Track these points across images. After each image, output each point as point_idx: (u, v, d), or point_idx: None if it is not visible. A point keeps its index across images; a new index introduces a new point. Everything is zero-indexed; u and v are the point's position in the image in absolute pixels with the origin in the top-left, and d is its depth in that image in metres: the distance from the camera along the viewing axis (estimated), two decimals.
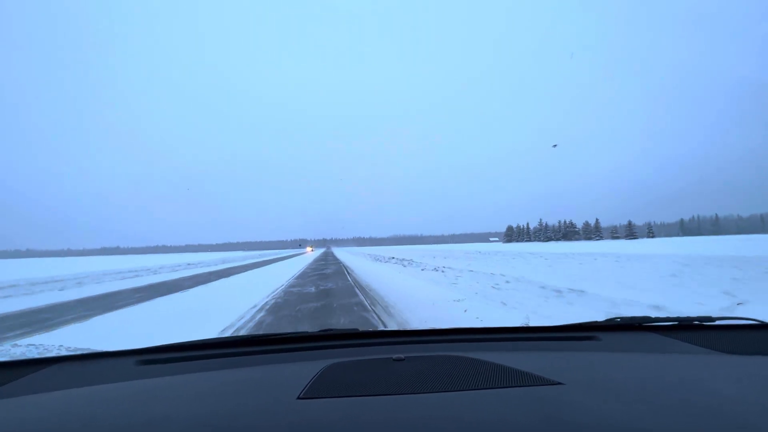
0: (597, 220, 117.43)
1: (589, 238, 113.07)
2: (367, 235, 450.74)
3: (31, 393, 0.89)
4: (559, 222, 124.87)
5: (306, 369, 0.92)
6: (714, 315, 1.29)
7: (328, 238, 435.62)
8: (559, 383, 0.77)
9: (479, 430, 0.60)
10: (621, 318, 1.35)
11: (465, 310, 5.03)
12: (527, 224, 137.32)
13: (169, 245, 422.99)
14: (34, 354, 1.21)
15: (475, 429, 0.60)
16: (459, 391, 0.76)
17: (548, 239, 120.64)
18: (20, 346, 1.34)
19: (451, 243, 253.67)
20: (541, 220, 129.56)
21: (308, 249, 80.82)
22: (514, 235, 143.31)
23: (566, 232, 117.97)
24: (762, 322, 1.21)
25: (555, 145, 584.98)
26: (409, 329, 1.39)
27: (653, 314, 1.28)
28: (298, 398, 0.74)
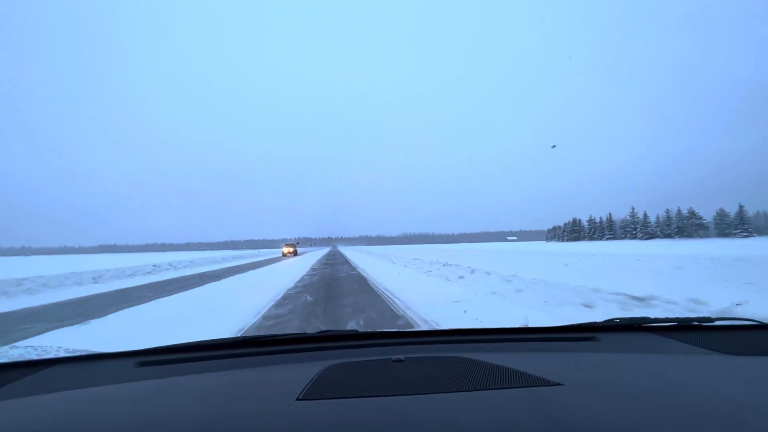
0: (742, 207, 78.58)
1: (725, 235, 76.21)
2: (374, 234, 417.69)
3: (29, 395, 0.88)
4: (667, 212, 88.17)
5: (305, 370, 0.92)
6: (713, 315, 1.28)
7: (334, 236, 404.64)
8: (559, 384, 0.77)
9: (479, 431, 0.60)
10: (620, 319, 1.35)
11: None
12: (609, 215, 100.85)
13: (167, 243, 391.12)
14: (32, 355, 1.19)
15: (475, 430, 0.61)
16: (458, 392, 0.76)
17: (650, 236, 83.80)
18: (18, 347, 1.32)
19: (466, 242, 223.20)
20: (633, 209, 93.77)
21: (286, 251, 35.68)
22: (584, 231, 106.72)
23: (683, 226, 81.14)
24: (760, 322, 1.22)
25: (554, 146, 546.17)
26: (408, 330, 1.43)
27: None
28: (298, 399, 0.74)
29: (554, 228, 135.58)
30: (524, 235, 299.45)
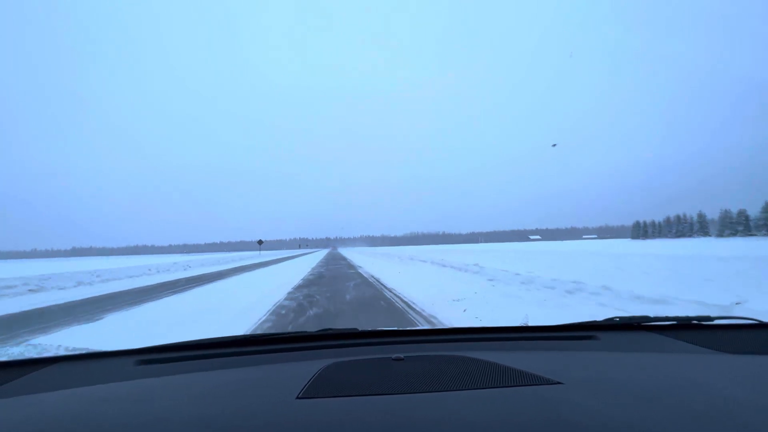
0: None
1: None
2: (378, 234, 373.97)
3: (29, 393, 0.90)
4: None
5: (305, 369, 0.93)
6: (713, 315, 1.31)
7: (333, 237, 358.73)
8: (559, 383, 0.78)
9: (478, 429, 0.61)
10: (620, 317, 1.36)
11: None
12: None
13: (149, 245, 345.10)
14: (32, 354, 1.21)
15: (475, 428, 0.61)
16: (458, 390, 0.78)
17: None
18: (19, 345, 1.35)
19: (483, 242, 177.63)
20: None
21: None
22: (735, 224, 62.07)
23: None
24: (760, 321, 1.22)
25: (554, 145, 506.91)
26: (408, 329, 1.40)
27: None
28: (297, 398, 0.75)
29: (677, 217, 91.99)
30: (546, 234, 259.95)
